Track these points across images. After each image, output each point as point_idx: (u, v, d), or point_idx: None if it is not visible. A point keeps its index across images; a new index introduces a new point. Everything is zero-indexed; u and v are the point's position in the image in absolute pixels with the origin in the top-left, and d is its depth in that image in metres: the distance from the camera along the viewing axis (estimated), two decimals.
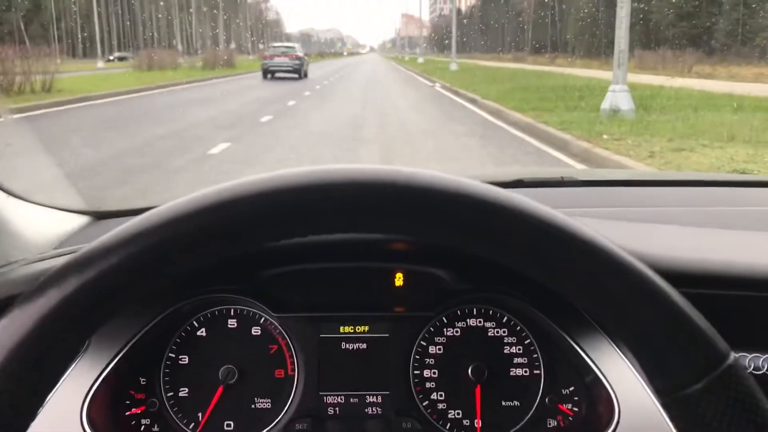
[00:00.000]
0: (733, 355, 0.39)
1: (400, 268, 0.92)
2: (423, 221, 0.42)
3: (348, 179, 0.42)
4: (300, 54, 27.20)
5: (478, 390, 0.89)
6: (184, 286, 0.88)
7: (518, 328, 0.92)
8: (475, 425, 0.89)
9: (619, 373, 0.83)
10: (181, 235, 0.41)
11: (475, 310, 0.92)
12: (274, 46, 29.57)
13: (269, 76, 25.79)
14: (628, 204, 1.26)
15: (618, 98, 9.95)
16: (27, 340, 0.40)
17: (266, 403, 0.90)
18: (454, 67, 30.46)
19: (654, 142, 7.87)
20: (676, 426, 0.40)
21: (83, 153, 7.82)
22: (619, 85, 10.01)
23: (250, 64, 42.95)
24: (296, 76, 25.71)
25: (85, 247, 0.42)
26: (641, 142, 7.81)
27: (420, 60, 56.83)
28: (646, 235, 0.99)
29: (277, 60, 26.52)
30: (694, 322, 0.39)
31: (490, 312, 0.92)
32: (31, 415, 0.41)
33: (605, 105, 10.08)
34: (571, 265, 0.40)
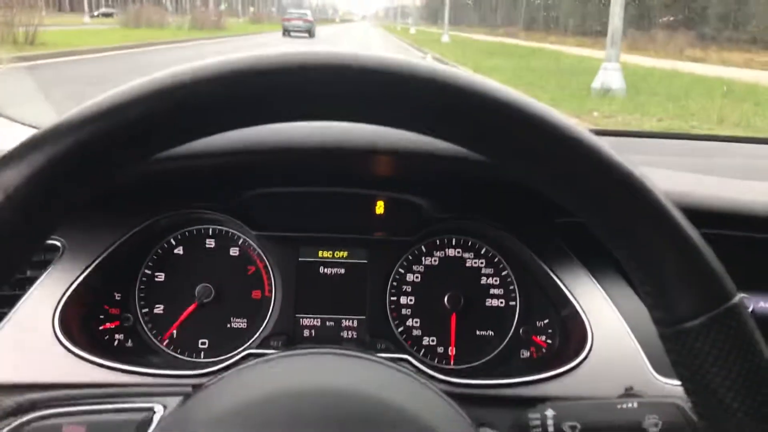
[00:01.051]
0: (738, 296, 0.38)
1: (382, 196, 0.91)
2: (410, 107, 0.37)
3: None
4: (310, 18, 36.93)
5: (453, 318, 0.89)
6: (162, 200, 0.87)
7: (496, 259, 0.92)
8: (449, 353, 0.90)
9: (595, 305, 0.83)
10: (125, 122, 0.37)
11: (454, 240, 0.92)
12: (291, 12, 40.26)
13: (287, 34, 34.76)
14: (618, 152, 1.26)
15: (610, 76, 9.91)
16: None
17: (242, 322, 0.89)
18: (446, 39, 30.11)
19: (644, 121, 7.88)
20: (669, 359, 0.39)
21: (64, 106, 7.67)
22: (611, 63, 9.95)
23: (240, 27, 42.19)
24: (307, 35, 34.73)
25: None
26: (631, 121, 7.82)
27: (412, 30, 56.06)
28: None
29: (293, 22, 35.93)
30: (704, 257, 0.38)
31: (469, 243, 0.92)
32: None
33: (596, 83, 10.03)
34: (586, 180, 0.38)
